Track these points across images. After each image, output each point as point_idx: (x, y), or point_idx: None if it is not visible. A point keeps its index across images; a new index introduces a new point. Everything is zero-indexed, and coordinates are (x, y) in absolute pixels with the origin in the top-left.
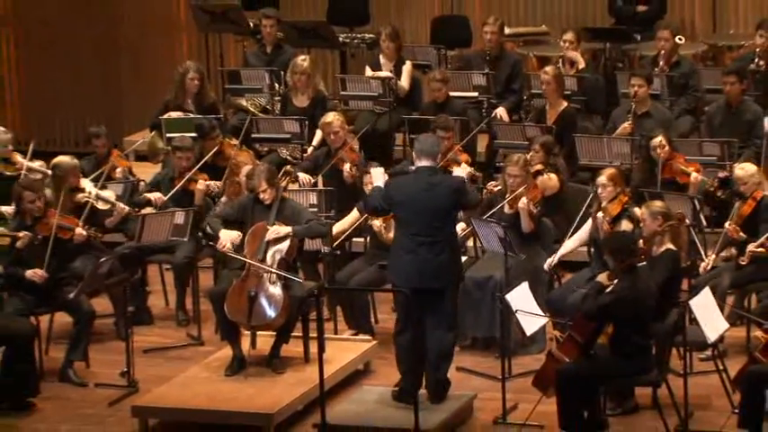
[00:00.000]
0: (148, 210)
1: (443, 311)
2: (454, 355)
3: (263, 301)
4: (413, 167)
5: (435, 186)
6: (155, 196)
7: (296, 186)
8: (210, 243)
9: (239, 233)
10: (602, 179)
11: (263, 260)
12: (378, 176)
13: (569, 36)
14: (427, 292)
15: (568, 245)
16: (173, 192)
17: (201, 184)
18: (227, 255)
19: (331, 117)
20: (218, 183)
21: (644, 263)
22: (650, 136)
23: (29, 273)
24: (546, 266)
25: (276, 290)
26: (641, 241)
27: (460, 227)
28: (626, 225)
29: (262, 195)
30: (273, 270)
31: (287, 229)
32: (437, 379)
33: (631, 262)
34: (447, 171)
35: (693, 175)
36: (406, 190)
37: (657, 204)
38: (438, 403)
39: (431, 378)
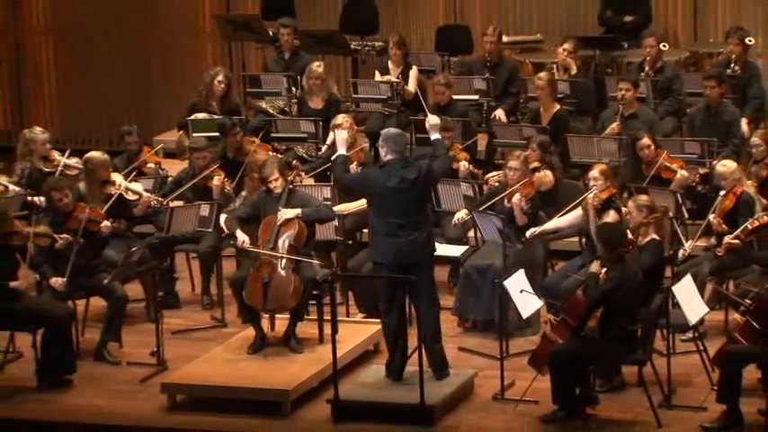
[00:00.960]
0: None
1: (425, 287)
2: (457, 336)
3: (276, 286)
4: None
5: (407, 177)
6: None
7: (301, 180)
8: (232, 242)
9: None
10: (594, 173)
11: (274, 248)
12: (341, 141)
13: (568, 45)
14: (408, 269)
15: (553, 223)
16: (186, 186)
17: (218, 181)
18: (245, 250)
19: (341, 119)
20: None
21: (632, 253)
22: (636, 137)
23: (52, 280)
24: (528, 234)
25: (286, 275)
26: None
27: (460, 214)
28: (612, 215)
29: (273, 184)
30: (284, 255)
31: (295, 212)
32: (435, 350)
33: (621, 252)
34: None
35: (681, 172)
36: (381, 183)
37: (642, 198)
38: (442, 377)
39: (430, 353)
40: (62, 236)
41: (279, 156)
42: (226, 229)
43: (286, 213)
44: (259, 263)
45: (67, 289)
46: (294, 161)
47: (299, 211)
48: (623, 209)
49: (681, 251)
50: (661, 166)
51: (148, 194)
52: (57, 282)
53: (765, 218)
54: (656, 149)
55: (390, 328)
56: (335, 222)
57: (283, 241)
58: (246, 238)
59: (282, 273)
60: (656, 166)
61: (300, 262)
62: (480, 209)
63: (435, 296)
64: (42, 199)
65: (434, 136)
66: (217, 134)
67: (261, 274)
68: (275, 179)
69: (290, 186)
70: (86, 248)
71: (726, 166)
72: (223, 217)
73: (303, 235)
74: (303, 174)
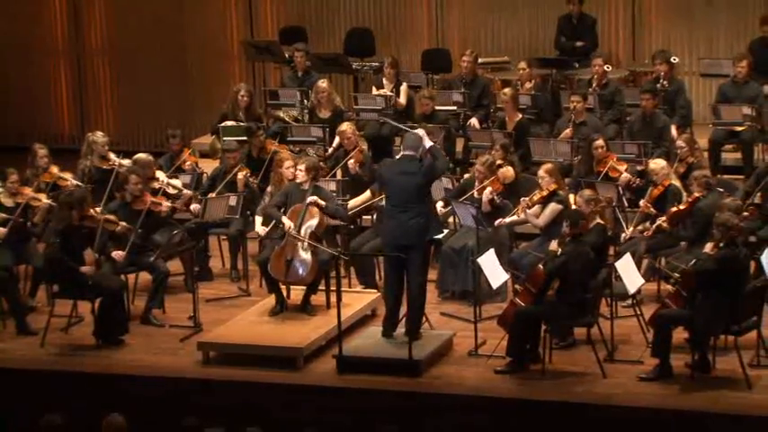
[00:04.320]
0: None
1: (416, 264)
2: (439, 304)
3: (297, 264)
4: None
5: (412, 171)
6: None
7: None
8: (280, 225)
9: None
10: (540, 172)
11: (298, 233)
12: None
13: (523, 64)
14: (404, 249)
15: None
16: (221, 184)
17: (242, 176)
18: (289, 234)
19: (345, 126)
20: (254, 179)
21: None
22: (592, 138)
23: (114, 253)
24: (496, 223)
25: (307, 255)
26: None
27: (440, 205)
28: (553, 206)
29: (301, 178)
30: (306, 240)
31: (323, 203)
32: (413, 316)
33: (577, 231)
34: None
35: (624, 173)
36: (391, 172)
37: (587, 192)
38: (411, 340)
39: (409, 317)
40: (122, 223)
41: (310, 158)
42: (263, 223)
43: (317, 200)
44: (284, 242)
45: (123, 264)
46: (321, 163)
47: (324, 204)
48: (575, 198)
49: (622, 234)
50: (610, 167)
51: (187, 191)
52: (118, 254)
53: (682, 206)
54: (607, 151)
55: (388, 296)
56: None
57: (306, 228)
58: (291, 224)
59: (303, 254)
60: (606, 167)
61: (318, 248)
62: (455, 199)
63: (423, 273)
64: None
65: (428, 143)
66: (243, 138)
67: (285, 252)
68: (303, 175)
69: (316, 183)
70: (147, 226)
71: (657, 163)
72: (259, 220)
73: (323, 225)
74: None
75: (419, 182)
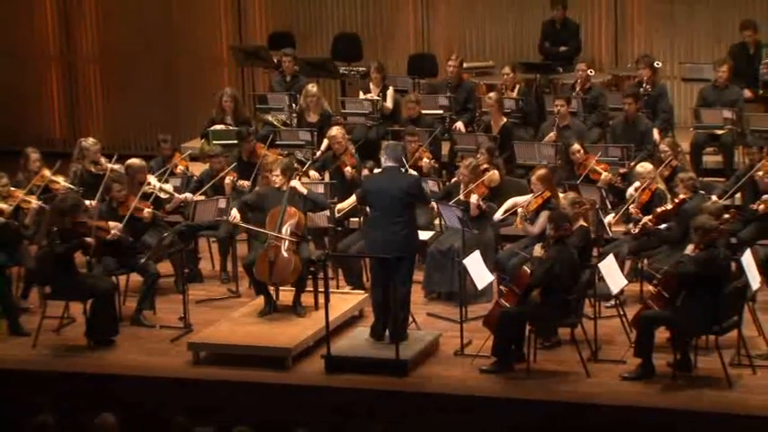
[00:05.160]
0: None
1: (401, 273)
2: (425, 305)
3: (280, 265)
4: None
5: (396, 184)
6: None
7: (305, 180)
8: (225, 216)
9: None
10: (533, 179)
11: (279, 233)
12: None
13: (507, 69)
14: (390, 258)
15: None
16: (207, 185)
17: (229, 180)
18: (271, 236)
19: (335, 131)
20: (245, 182)
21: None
22: (569, 143)
23: (112, 224)
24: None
25: (289, 255)
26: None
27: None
28: (547, 213)
29: (279, 183)
30: (287, 237)
31: (304, 190)
32: (396, 320)
33: (562, 233)
34: (417, 166)
35: (604, 174)
36: (376, 184)
37: (571, 195)
38: (396, 342)
39: (393, 320)
40: (113, 231)
41: (285, 159)
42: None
43: (298, 185)
44: (267, 246)
45: (114, 266)
46: (296, 165)
47: (305, 190)
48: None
49: (607, 218)
50: (590, 169)
51: (178, 195)
52: (116, 226)
53: (669, 206)
54: (585, 154)
55: (375, 299)
56: (327, 213)
57: (287, 228)
58: (238, 216)
59: (285, 254)
60: (586, 169)
61: (300, 245)
62: (441, 202)
63: (409, 279)
64: (93, 202)
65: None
66: (232, 142)
67: (268, 254)
68: (277, 176)
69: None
70: (133, 229)
71: (644, 167)
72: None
73: (303, 224)
74: (311, 174)
75: (403, 196)
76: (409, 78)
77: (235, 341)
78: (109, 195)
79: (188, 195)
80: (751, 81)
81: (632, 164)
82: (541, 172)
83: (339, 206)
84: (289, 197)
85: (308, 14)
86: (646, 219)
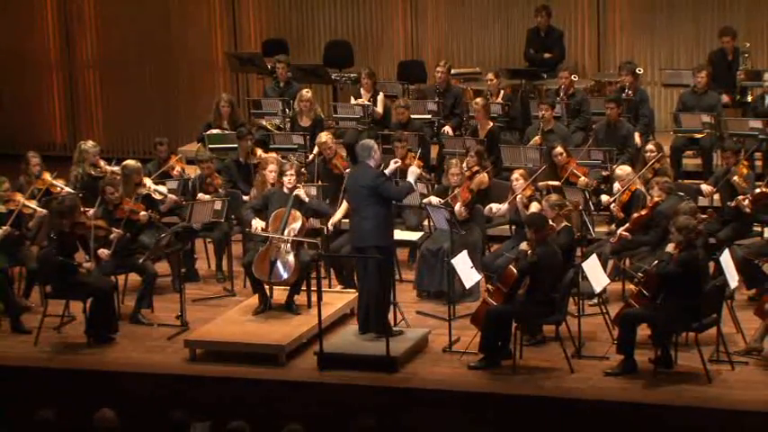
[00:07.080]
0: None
1: (370, 267)
2: (415, 303)
3: (280, 265)
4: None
5: (361, 180)
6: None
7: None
8: (247, 229)
9: (263, 222)
10: (515, 175)
11: (281, 235)
12: (411, 175)
13: (490, 75)
14: (360, 250)
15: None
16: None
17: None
18: (255, 235)
19: (324, 137)
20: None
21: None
22: (552, 146)
23: (99, 251)
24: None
25: (289, 257)
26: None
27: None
28: (535, 205)
29: (293, 183)
30: (289, 238)
31: (306, 198)
32: (374, 314)
33: (544, 234)
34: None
35: (582, 178)
36: (349, 180)
37: (553, 198)
38: (378, 337)
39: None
40: (114, 230)
41: (296, 162)
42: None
43: (301, 194)
44: (268, 245)
45: (112, 267)
46: (303, 169)
47: (307, 199)
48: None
49: (604, 199)
50: (570, 172)
51: (173, 196)
52: (103, 253)
53: (644, 212)
54: (567, 157)
55: (360, 292)
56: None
57: (289, 231)
58: (261, 225)
59: (286, 256)
60: (568, 172)
61: (300, 249)
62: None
63: (380, 275)
64: (92, 211)
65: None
66: (228, 146)
67: (269, 254)
68: (292, 176)
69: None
70: (130, 231)
71: (623, 170)
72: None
73: (304, 229)
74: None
75: (365, 191)
76: (399, 84)
77: (230, 338)
78: (103, 198)
79: (172, 197)
80: (729, 86)
81: (614, 167)
82: (521, 170)
83: (332, 220)
84: (294, 202)
85: (300, 22)
86: (622, 229)
